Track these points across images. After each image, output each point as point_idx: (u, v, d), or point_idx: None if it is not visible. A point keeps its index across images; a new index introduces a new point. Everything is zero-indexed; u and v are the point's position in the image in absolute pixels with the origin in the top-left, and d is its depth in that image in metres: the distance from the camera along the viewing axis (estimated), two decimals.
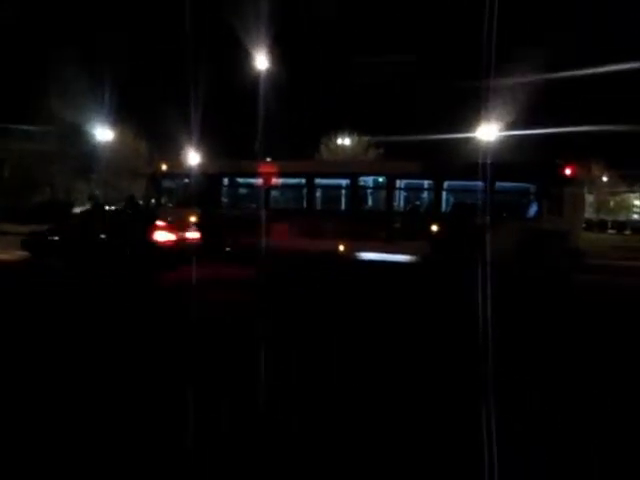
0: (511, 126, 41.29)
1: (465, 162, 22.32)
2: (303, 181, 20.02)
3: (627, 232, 57.74)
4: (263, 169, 20.37)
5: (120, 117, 42.25)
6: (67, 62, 48.78)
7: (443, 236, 17.47)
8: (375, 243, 18.05)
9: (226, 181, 20.87)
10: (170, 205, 21.36)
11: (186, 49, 41.37)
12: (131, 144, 43.61)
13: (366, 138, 42.07)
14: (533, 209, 17.67)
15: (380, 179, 19.64)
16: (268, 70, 35.64)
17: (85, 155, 42.66)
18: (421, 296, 12.29)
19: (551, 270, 15.63)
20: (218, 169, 21.07)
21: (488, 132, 37.35)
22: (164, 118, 44.87)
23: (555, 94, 41.73)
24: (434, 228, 17.65)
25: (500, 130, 40.07)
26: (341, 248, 18.51)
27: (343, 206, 20.06)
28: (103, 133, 39.83)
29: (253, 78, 37.31)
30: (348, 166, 22.99)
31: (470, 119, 38.38)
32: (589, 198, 70.26)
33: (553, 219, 17.03)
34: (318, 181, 20.00)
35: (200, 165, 22.44)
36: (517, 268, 14.68)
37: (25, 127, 43.57)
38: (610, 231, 58.19)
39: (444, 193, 18.81)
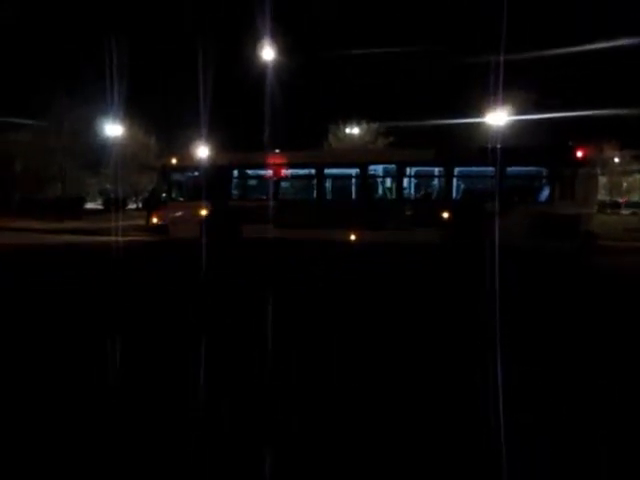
0: (522, 110, 41.00)
1: (475, 147, 22.30)
2: (312, 171, 20.08)
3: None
4: (271, 160, 20.51)
5: (130, 112, 42.43)
6: (77, 57, 48.96)
7: (454, 222, 17.50)
8: (386, 230, 18.10)
9: (236, 173, 20.96)
10: (181, 199, 21.58)
11: (193, 42, 41.41)
12: (141, 139, 43.80)
13: (375, 126, 41.93)
14: (545, 193, 17.63)
15: (390, 167, 19.64)
16: (275, 61, 35.58)
17: (95, 150, 42.88)
18: (432, 282, 12.29)
19: (563, 253, 15.63)
20: (227, 161, 21.19)
21: (498, 117, 37.16)
22: (173, 113, 45.13)
23: (566, 74, 41.32)
24: (445, 215, 17.67)
25: (510, 114, 39.83)
26: (352, 237, 18.59)
27: (353, 195, 20.08)
28: (113, 128, 39.95)
29: (260, 69, 37.29)
30: (357, 155, 22.92)
31: (480, 103, 38.14)
32: (602, 180, 69.96)
33: (565, 202, 16.99)
34: (327, 171, 20.05)
35: (209, 158, 22.61)
36: (529, 252, 14.65)
37: (36, 122, 43.78)
38: (623, 212, 57.62)
39: (454, 179, 18.81)
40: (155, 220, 21.90)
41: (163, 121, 43.15)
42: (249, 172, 21.23)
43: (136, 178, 46.59)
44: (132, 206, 52.26)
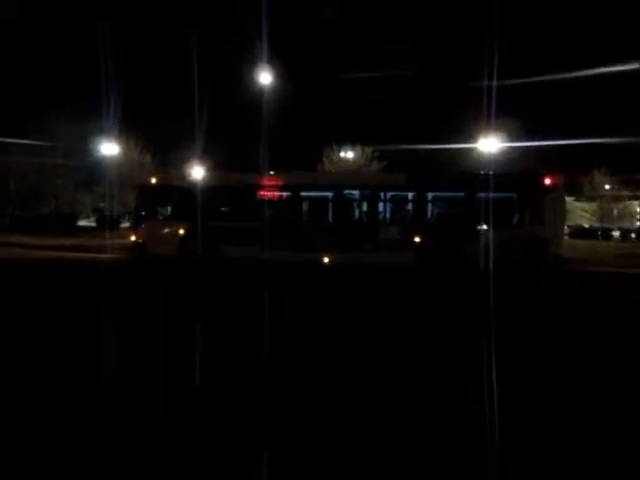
0: (513, 137, 41.53)
1: (447, 173, 22.89)
2: (287, 194, 20.46)
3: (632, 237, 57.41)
4: (248, 181, 20.96)
5: (125, 131, 42.73)
6: (73, 76, 49.35)
7: (426, 245, 17.92)
8: (360, 252, 18.42)
9: (213, 193, 21.16)
10: (159, 217, 21.91)
11: (190, 65, 41.82)
12: (136, 158, 44.01)
13: (369, 150, 42.30)
14: (514, 218, 18.16)
15: (364, 191, 20.07)
16: (271, 84, 35.98)
17: (90, 168, 43.04)
18: (406, 301, 12.52)
19: (530, 276, 15.96)
20: (205, 182, 21.60)
21: (490, 143, 37.63)
22: (168, 132, 45.41)
23: (556, 102, 41.93)
24: (418, 238, 18.09)
25: (502, 141, 40.32)
26: (326, 259, 18.91)
27: (328, 218, 20.45)
28: (109, 147, 40.19)
29: (256, 92, 37.67)
30: (333, 178, 23.31)
31: (473, 129, 38.63)
32: (592, 206, 70.50)
33: (534, 227, 17.49)
34: (302, 193, 20.46)
35: (188, 178, 23.10)
36: (497, 274, 14.94)
37: (31, 141, 44.00)
38: (616, 238, 57.71)
39: (427, 204, 19.31)
40: (134, 238, 22.18)
41: (158, 140, 43.44)
42: (227, 193, 21.45)
43: (130, 197, 46.68)
44: (126, 224, 52.32)
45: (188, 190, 20.99)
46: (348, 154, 42.62)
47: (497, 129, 37.56)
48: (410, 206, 19.99)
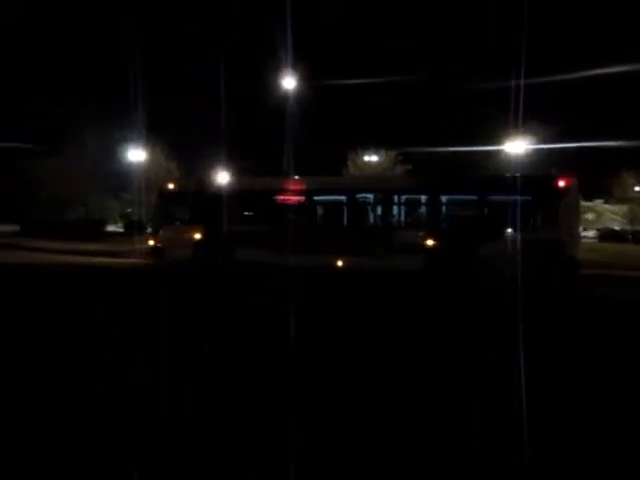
0: (541, 139, 41.02)
1: (460, 175, 22.62)
2: (302, 198, 20.51)
3: None
4: (263, 186, 21.09)
5: (152, 138, 43.32)
6: (100, 83, 50.22)
7: (437, 249, 17.69)
8: (373, 257, 18.33)
9: (229, 198, 21.29)
10: (177, 222, 22.21)
11: (216, 69, 42.24)
12: (163, 164, 44.59)
13: (394, 153, 42.18)
14: (528, 221, 17.83)
15: (377, 195, 20.00)
16: (295, 88, 36.16)
17: (118, 175, 43.71)
18: (416, 307, 12.45)
19: (545, 280, 15.68)
20: (221, 187, 21.85)
21: (517, 145, 37.21)
22: (194, 138, 45.88)
23: (585, 103, 41.36)
24: (431, 241, 17.87)
25: (530, 143, 39.85)
26: (340, 263, 18.91)
27: (342, 222, 20.43)
28: (136, 154, 40.82)
29: (281, 97, 37.87)
30: (345, 182, 23.30)
31: (501, 132, 38.27)
32: (622, 209, 69.11)
33: (548, 230, 17.15)
34: (315, 198, 20.54)
35: (204, 184, 23.39)
36: (512, 279, 14.73)
37: (61, 149, 44.95)
38: None
39: (440, 207, 19.11)
40: (152, 243, 22.50)
41: (184, 147, 43.93)
42: (241, 197, 21.57)
43: None
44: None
45: (203, 195, 21.26)
46: (372, 158, 42.56)
47: (524, 131, 37.17)
48: (422, 209, 19.85)
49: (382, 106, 44.60)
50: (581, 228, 49.21)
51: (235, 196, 21.31)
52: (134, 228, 40.08)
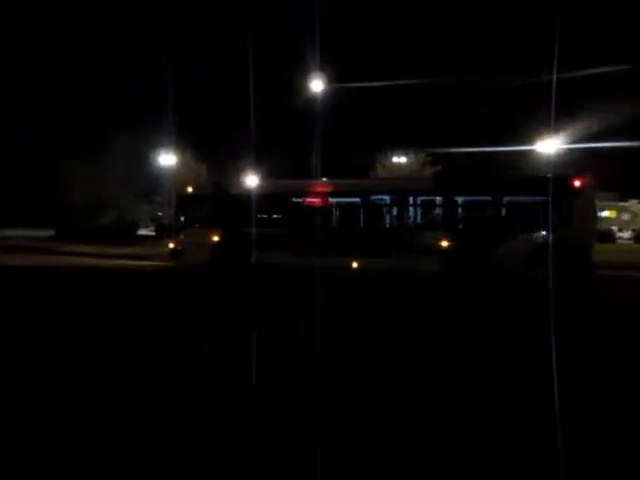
0: (574, 139, 40.22)
1: (475, 176, 22.54)
2: (317, 200, 20.71)
3: None
4: (278, 189, 21.28)
5: (182, 142, 43.74)
6: (132, 89, 50.89)
7: (452, 250, 17.60)
8: (388, 258, 18.30)
9: (246, 201, 21.48)
10: (196, 225, 22.53)
11: (244, 72, 42.48)
12: (193, 167, 44.98)
13: (423, 155, 41.81)
14: (542, 221, 17.54)
15: (391, 196, 20.03)
16: (324, 90, 36.10)
17: (149, 179, 44.23)
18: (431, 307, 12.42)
19: (560, 281, 15.42)
20: (238, 190, 22.18)
21: (549, 145, 36.47)
22: (223, 142, 46.21)
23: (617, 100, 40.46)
24: (445, 242, 17.79)
25: (563, 143, 39.05)
26: (355, 264, 18.93)
27: (357, 223, 20.48)
28: (166, 157, 41.28)
29: (310, 99, 37.86)
30: (360, 184, 23.37)
31: (532, 131, 37.64)
32: None
33: (563, 231, 16.85)
34: (331, 200, 20.68)
35: (223, 187, 23.70)
36: (527, 280, 14.57)
37: (93, 153, 45.74)
38: None
39: (454, 208, 19.07)
40: (172, 245, 22.84)
41: (214, 149, 44.25)
42: (257, 200, 21.69)
43: None
44: None
45: (220, 198, 21.56)
46: (401, 159, 42.27)
47: (557, 130, 36.49)
48: (436, 210, 19.87)
49: (411, 107, 44.23)
50: (616, 229, 48.31)
51: (251, 199, 21.50)
52: (164, 231, 40.58)
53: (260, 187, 22.54)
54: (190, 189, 23.65)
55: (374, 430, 5.09)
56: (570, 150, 39.37)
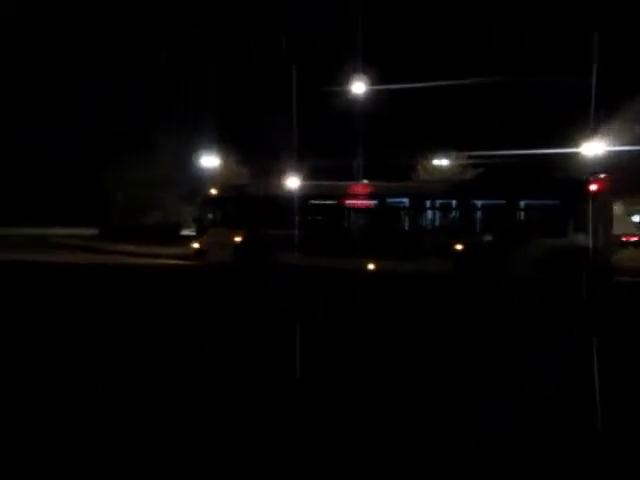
0: (622, 141, 39.31)
1: (489, 180, 22.67)
2: (335, 203, 21.19)
3: None
4: (298, 190, 21.70)
5: (225, 144, 44.26)
6: (176, 93, 51.77)
7: (466, 253, 17.68)
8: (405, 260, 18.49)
9: (268, 202, 21.94)
10: (220, 226, 23.09)
11: (287, 75, 42.80)
12: (235, 169, 45.41)
13: (464, 157, 41.36)
14: (558, 225, 17.34)
15: (407, 200, 20.37)
16: (365, 93, 36.15)
17: (192, 180, 44.85)
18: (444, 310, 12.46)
19: (575, 285, 15.20)
20: (260, 191, 22.71)
21: (594, 147, 35.71)
22: (265, 144, 46.58)
23: None
24: (457, 246, 17.92)
25: (609, 145, 38.18)
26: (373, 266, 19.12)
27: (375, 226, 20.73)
28: (209, 160, 41.91)
29: (350, 102, 37.92)
30: (377, 188, 23.55)
31: (577, 133, 36.95)
32: None
33: (578, 235, 16.59)
34: (350, 202, 21.09)
35: (244, 188, 24.38)
36: (540, 284, 14.46)
37: (137, 156, 46.60)
38: None
39: (470, 211, 19.26)
40: (196, 245, 23.47)
41: (256, 152, 44.61)
42: (279, 201, 22.08)
43: None
44: None
45: (244, 200, 22.11)
46: (442, 162, 41.93)
47: (603, 132, 35.76)
48: (451, 214, 20.13)
49: (453, 108, 43.93)
50: None
51: (272, 200, 21.97)
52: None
53: (281, 189, 23.11)
54: (214, 191, 24.40)
55: (376, 429, 5.12)
56: (615, 152, 38.47)
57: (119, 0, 51.82)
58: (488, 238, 17.88)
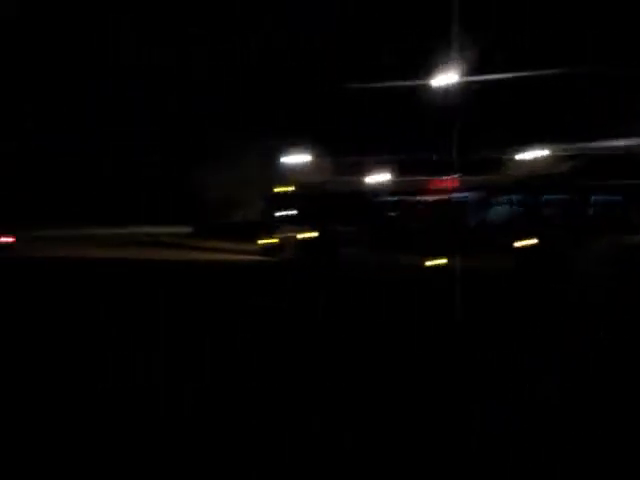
0: None
1: (557, 175, 21.78)
2: (399, 198, 21.22)
3: None
4: (359, 186, 21.72)
5: (311, 140, 44.59)
6: (261, 91, 52.79)
7: (531, 249, 17.03)
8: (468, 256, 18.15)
9: (332, 199, 22.23)
10: (286, 222, 23.66)
11: (373, 68, 42.65)
12: (321, 165, 45.70)
13: (559, 150, 39.56)
14: (626, 221, 16.24)
15: (472, 195, 19.94)
16: (459, 83, 35.54)
17: (281, 178, 45.65)
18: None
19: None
20: (324, 187, 22.97)
21: None
22: (354, 137, 46.58)
23: None
24: (526, 241, 17.27)
25: None
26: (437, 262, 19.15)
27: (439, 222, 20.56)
28: (296, 158, 42.49)
29: (439, 94, 37.27)
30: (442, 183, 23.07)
31: None
32: None
33: None
34: (412, 198, 21.07)
35: (308, 185, 24.70)
36: (611, 282, 13.57)
37: (229, 155, 47.95)
38: None
39: (537, 207, 18.55)
40: (263, 242, 24.23)
41: (341, 149, 44.68)
42: (343, 198, 22.37)
43: None
44: None
45: (309, 196, 22.52)
46: (535, 154, 40.31)
47: None
48: (514, 209, 19.60)
49: (545, 99, 42.16)
50: None
51: (337, 197, 22.18)
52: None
53: (344, 185, 23.53)
54: (279, 189, 25.22)
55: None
56: None
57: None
58: (551, 234, 17.31)
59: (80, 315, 10.24)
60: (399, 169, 35.47)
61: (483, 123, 43.84)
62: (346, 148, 44.03)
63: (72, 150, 52.19)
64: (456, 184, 21.93)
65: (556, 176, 20.38)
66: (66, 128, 54.22)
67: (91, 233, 42.69)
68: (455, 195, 20.28)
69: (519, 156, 40.68)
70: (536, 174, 21.79)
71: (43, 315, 11.05)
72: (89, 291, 13.99)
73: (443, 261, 18.71)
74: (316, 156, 45.52)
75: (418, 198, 21.17)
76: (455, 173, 24.52)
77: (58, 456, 4.60)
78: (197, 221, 50.04)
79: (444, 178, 35.13)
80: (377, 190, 21.62)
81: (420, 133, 44.18)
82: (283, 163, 43.53)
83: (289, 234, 22.89)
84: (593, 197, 17.20)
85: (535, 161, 40.22)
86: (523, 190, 18.78)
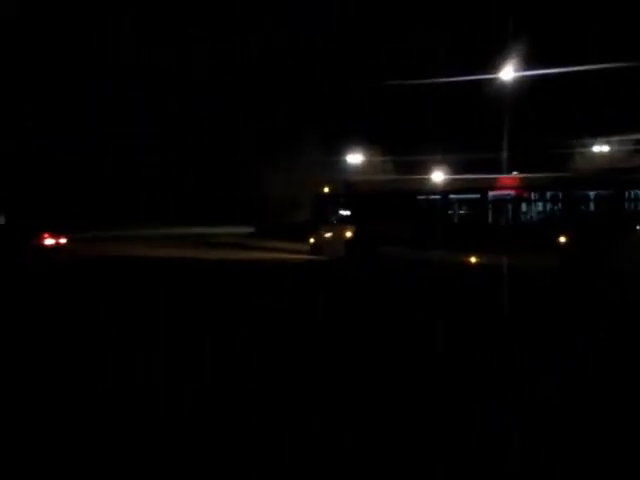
0: None
1: (594, 171, 21.51)
2: (437, 197, 21.55)
3: None
4: (401, 186, 22.09)
5: (370, 141, 44.46)
6: (323, 92, 52.94)
7: (574, 246, 16.42)
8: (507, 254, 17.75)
9: (375, 199, 22.61)
10: (333, 222, 24.17)
11: (433, 65, 42.15)
12: (379, 166, 45.45)
13: (629, 142, 37.87)
14: None
15: (509, 193, 19.81)
16: (514, 79, 34.56)
17: (338, 179, 45.75)
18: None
19: None
20: (367, 188, 23.52)
21: None
22: (411, 135, 46.13)
23: None
24: (562, 240, 16.73)
25: None
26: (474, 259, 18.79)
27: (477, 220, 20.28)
28: (354, 157, 42.59)
29: (497, 87, 36.40)
30: (479, 182, 22.71)
31: None
32: None
33: None
34: (451, 196, 21.22)
35: (353, 186, 25.30)
36: None
37: (290, 157, 48.50)
38: None
39: (574, 203, 18.09)
40: (312, 241, 24.76)
41: (401, 148, 44.30)
42: (385, 198, 22.60)
43: None
44: None
45: (353, 197, 23.15)
46: (603, 149, 38.73)
47: None
48: (557, 206, 19.12)
49: (613, 90, 40.51)
50: None
51: (380, 197, 22.51)
52: None
53: (389, 186, 24.01)
54: (326, 189, 25.85)
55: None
56: None
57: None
58: (594, 231, 16.85)
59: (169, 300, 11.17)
60: (456, 168, 34.93)
61: (540, 119, 42.64)
62: (402, 148, 43.70)
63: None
64: (514, 182, 21.53)
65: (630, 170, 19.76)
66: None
67: (150, 234, 43.94)
68: (505, 193, 20.06)
69: (583, 150, 39.34)
70: (605, 169, 21.21)
71: (130, 307, 11.87)
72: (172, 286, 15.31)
73: (499, 257, 18.45)
74: (371, 156, 45.41)
75: (475, 196, 20.98)
76: (512, 171, 24.07)
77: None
78: (259, 222, 50.85)
79: (501, 176, 34.36)
80: (431, 189, 21.62)
81: (476, 132, 43.35)
82: (341, 164, 43.67)
83: (338, 233, 23.36)
84: (626, 192, 16.69)
85: (602, 155, 38.80)
86: (589, 185, 18.27)
